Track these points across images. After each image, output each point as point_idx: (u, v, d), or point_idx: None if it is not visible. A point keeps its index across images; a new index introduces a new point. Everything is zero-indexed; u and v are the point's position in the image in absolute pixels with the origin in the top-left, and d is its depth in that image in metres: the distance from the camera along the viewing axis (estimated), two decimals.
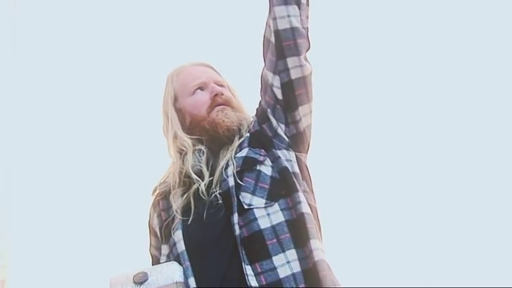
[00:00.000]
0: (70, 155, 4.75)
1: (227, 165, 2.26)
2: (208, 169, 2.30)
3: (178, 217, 2.27)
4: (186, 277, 2.18)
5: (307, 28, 2.28)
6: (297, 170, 2.27)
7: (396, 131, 4.65)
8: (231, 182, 2.22)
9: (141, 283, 2.15)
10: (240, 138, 2.33)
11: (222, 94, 2.37)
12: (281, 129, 2.29)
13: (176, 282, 2.16)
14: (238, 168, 2.23)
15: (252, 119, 2.38)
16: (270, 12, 2.28)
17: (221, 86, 2.41)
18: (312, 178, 2.34)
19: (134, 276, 2.16)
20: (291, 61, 2.25)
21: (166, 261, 2.26)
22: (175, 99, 2.42)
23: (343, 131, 4.54)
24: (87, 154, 4.73)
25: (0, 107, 4.95)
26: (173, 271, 2.17)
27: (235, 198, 2.19)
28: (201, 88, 2.40)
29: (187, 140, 2.35)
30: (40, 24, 4.97)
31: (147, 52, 4.83)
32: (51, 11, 4.95)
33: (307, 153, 2.34)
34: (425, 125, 4.66)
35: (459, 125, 4.65)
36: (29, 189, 4.85)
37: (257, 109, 2.38)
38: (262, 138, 2.30)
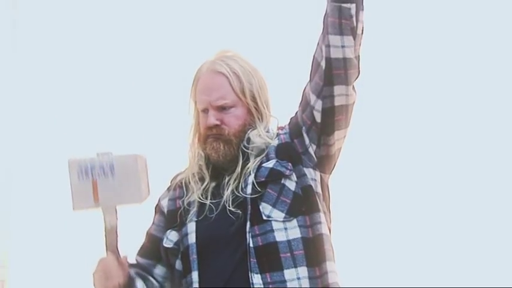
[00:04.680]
0: (70, 154, 4.74)
1: (249, 173, 2.25)
2: (230, 170, 2.29)
3: (194, 209, 2.28)
4: (190, 269, 2.20)
5: (359, 56, 2.26)
6: (319, 190, 2.28)
7: (399, 138, 4.66)
8: (249, 190, 2.22)
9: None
10: (249, 155, 2.28)
11: (217, 125, 2.30)
12: (312, 149, 2.27)
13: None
14: (263, 179, 2.23)
15: (270, 132, 2.34)
16: (324, 37, 2.23)
17: (228, 106, 2.32)
18: (331, 198, 2.34)
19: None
20: (337, 89, 2.23)
21: (173, 248, 2.28)
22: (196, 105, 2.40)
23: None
24: (87, 153, 4.71)
25: (0, 106, 4.95)
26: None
27: (250, 207, 2.20)
28: (204, 111, 2.34)
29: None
30: (40, 24, 4.97)
31: (147, 49, 4.83)
32: (51, 10, 4.95)
33: (331, 173, 2.34)
34: (427, 137, 4.65)
35: (465, 130, 4.64)
36: (28, 190, 4.85)
37: (291, 119, 2.35)
38: (291, 152, 2.28)
